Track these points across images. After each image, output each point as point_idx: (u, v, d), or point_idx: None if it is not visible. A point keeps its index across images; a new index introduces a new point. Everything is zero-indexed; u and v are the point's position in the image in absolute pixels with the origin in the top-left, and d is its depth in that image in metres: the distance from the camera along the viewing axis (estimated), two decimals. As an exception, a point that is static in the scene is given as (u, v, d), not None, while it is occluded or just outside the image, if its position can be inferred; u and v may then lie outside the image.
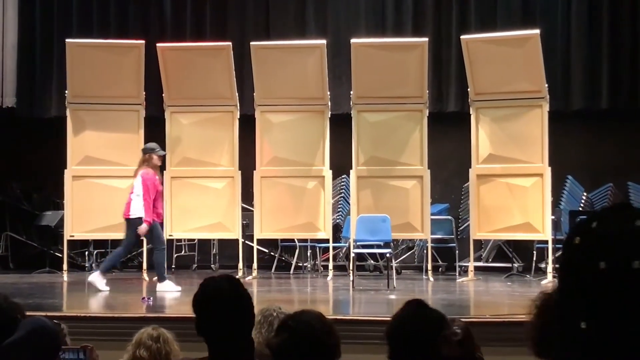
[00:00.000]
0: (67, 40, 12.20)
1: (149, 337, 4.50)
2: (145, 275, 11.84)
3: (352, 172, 11.89)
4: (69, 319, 6.95)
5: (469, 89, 11.80)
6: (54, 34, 13.87)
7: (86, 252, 13.20)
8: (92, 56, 11.97)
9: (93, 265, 13.08)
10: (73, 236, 12.06)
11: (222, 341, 3.24)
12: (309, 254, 12.96)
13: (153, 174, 10.49)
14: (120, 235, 12.36)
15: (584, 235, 1.34)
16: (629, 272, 1.26)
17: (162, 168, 11.37)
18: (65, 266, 11.90)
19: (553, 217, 11.63)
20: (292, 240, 12.83)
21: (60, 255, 12.31)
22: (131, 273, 12.77)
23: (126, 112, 12.11)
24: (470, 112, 11.79)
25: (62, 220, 12.37)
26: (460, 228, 13.02)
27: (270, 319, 4.23)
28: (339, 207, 13.17)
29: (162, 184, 10.91)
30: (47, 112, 13.85)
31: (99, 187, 11.98)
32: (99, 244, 13.25)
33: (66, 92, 12.09)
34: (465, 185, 12.46)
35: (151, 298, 9.55)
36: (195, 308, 3.33)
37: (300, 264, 13.04)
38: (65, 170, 11.96)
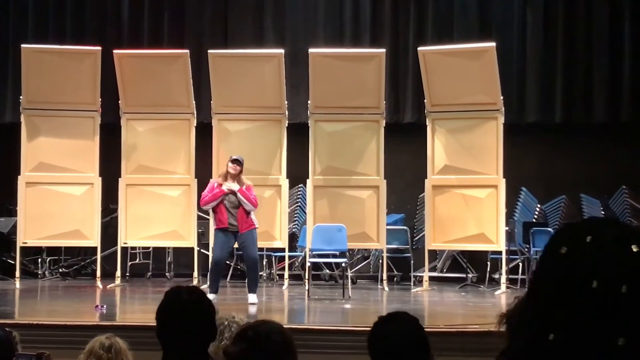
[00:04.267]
0: (22, 45, 12.08)
1: (100, 346, 4.43)
2: (98, 283, 11.74)
3: (309, 182, 11.91)
4: (21, 326, 6.88)
5: (425, 101, 11.88)
6: (9, 39, 13.74)
7: (39, 259, 13.05)
8: (48, 62, 11.86)
9: (46, 272, 12.95)
10: (26, 243, 11.92)
11: (179, 352, 3.24)
12: (264, 262, 12.94)
13: (216, 179, 10.46)
14: (73, 242, 12.30)
15: (574, 247, 1.32)
16: (618, 295, 1.28)
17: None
18: (17, 273, 11.75)
19: (507, 228, 11.74)
20: (248, 249, 12.79)
21: (13, 262, 12.17)
22: (85, 281, 12.65)
23: (82, 118, 12.00)
24: (427, 123, 11.87)
25: (15, 227, 12.23)
26: (416, 238, 13.09)
27: (222, 328, 4.20)
28: (295, 216, 13.17)
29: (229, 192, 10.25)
30: (2, 117, 13.71)
31: (53, 194, 11.86)
32: (52, 251, 13.11)
33: (21, 97, 11.97)
34: (421, 195, 12.53)
35: (104, 306, 9.47)
36: (157, 317, 3.32)
37: (256, 273, 13.00)
38: (19, 177, 11.83)
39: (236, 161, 10.32)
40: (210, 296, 9.81)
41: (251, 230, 10.24)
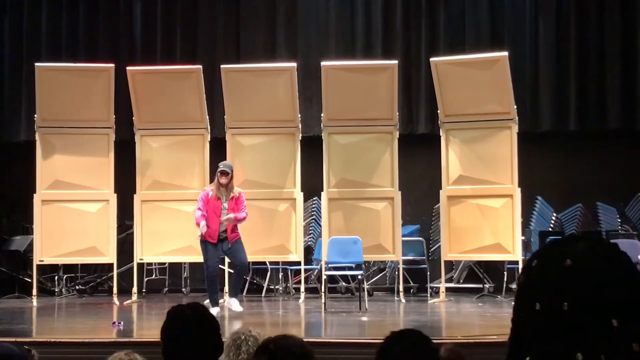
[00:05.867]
0: (36, 64, 12.14)
1: (120, 362, 4.42)
2: (115, 300, 11.75)
3: (323, 194, 11.90)
4: (39, 344, 6.88)
5: (438, 111, 11.87)
6: (22, 58, 13.81)
7: (56, 277, 13.09)
8: (62, 80, 11.91)
9: (63, 290, 12.98)
10: (42, 261, 11.94)
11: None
12: (280, 276, 12.93)
13: (208, 190, 10.39)
14: (89, 259, 12.32)
15: (526, 274, 1.34)
16: (560, 314, 1.26)
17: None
18: (34, 291, 11.78)
19: (523, 237, 11.70)
20: (264, 263, 12.80)
21: (30, 280, 12.20)
22: (101, 297, 12.67)
23: (96, 135, 12.05)
24: (440, 134, 11.85)
25: (31, 244, 12.27)
26: (432, 249, 13.06)
27: (239, 342, 4.20)
28: (311, 229, 13.16)
29: (219, 200, 10.24)
30: (16, 136, 13.77)
31: (69, 211, 11.89)
32: (69, 268, 13.14)
33: (35, 116, 12.03)
34: (436, 206, 12.51)
35: (122, 322, 9.47)
36: (162, 336, 3.33)
37: (272, 287, 13.01)
38: (35, 195, 11.87)
39: (224, 172, 10.29)
40: (214, 310, 9.83)
41: (238, 239, 10.33)
